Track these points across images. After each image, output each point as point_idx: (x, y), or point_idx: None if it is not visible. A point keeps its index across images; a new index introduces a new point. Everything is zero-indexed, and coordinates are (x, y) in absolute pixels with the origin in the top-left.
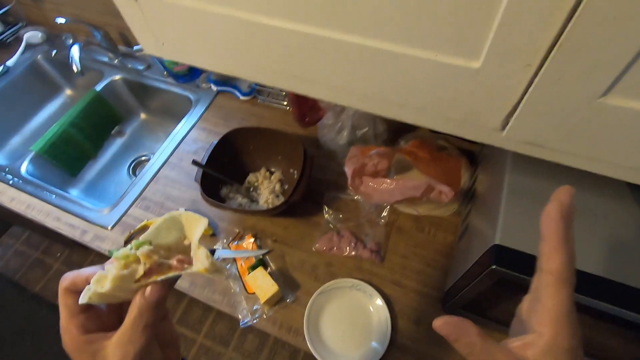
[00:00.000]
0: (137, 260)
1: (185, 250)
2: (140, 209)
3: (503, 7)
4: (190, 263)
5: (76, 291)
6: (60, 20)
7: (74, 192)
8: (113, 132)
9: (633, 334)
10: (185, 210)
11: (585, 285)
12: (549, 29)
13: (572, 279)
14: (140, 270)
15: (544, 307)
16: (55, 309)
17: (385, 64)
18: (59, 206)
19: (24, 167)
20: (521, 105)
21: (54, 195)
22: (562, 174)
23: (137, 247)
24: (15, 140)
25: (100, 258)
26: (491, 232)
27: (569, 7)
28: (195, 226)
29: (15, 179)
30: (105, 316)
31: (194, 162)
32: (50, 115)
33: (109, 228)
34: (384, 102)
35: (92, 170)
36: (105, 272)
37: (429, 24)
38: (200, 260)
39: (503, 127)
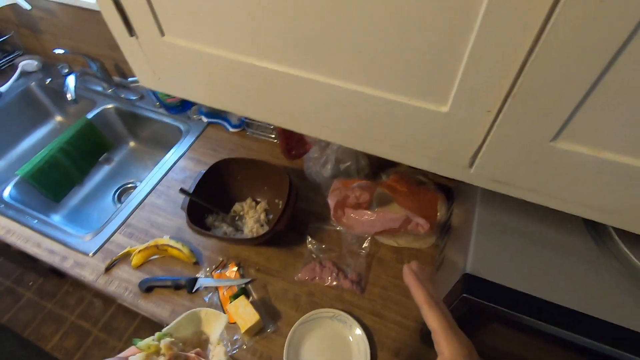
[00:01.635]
0: (157, 351)
1: (200, 344)
2: (124, 236)
3: (465, 59)
4: (205, 357)
5: None
6: (59, 52)
7: (57, 218)
8: (101, 159)
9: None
10: (203, 309)
11: (542, 312)
12: (503, 81)
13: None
14: None
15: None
16: (23, 343)
17: (363, 104)
18: (40, 231)
19: (7, 191)
20: (485, 145)
21: (35, 220)
22: (527, 208)
23: (160, 339)
24: (0, 164)
25: (75, 288)
26: (462, 262)
27: (518, 64)
28: (215, 322)
29: None
30: None
31: (182, 191)
32: (38, 141)
33: (90, 255)
34: (364, 139)
35: (77, 196)
36: None
37: (402, 72)
38: (218, 356)
39: (471, 165)
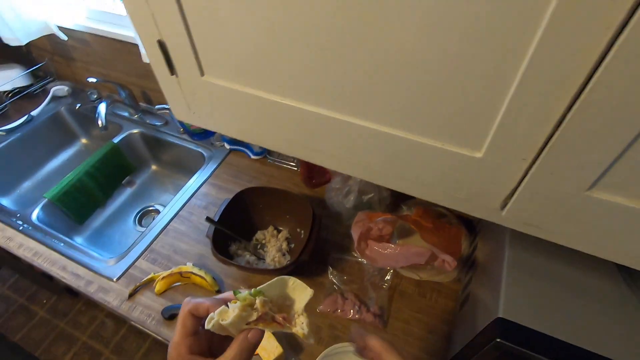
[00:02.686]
0: (252, 305)
1: (283, 309)
2: (147, 262)
3: (503, 109)
4: (290, 323)
5: (196, 316)
6: (92, 80)
7: (79, 240)
8: (124, 181)
9: None
10: (291, 277)
11: (570, 356)
12: (540, 132)
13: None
14: (254, 315)
15: None
16: None
17: (396, 146)
18: (66, 255)
19: (35, 214)
20: (518, 191)
21: (61, 244)
22: (559, 250)
23: (256, 295)
24: (26, 185)
25: (88, 307)
26: (494, 305)
27: (556, 117)
28: (301, 293)
29: (25, 225)
30: (203, 343)
31: (208, 219)
32: (64, 162)
33: (115, 280)
34: (394, 178)
35: (99, 218)
36: (228, 309)
37: (438, 119)
38: (300, 325)
39: (502, 208)
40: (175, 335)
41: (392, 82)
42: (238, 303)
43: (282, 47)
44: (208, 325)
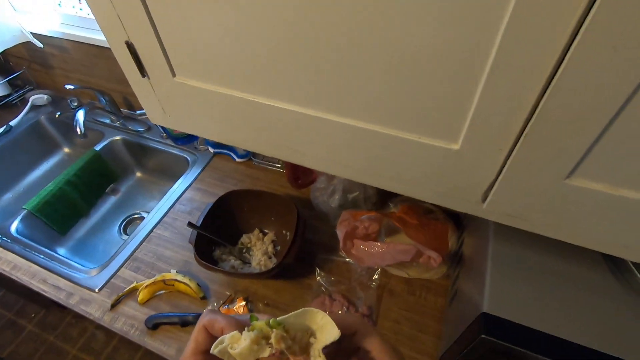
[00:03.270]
0: (267, 338)
1: (301, 345)
2: (130, 270)
3: (475, 101)
4: None
5: (210, 332)
6: (70, 87)
7: (62, 251)
8: (107, 190)
9: None
10: (321, 312)
11: (562, 352)
12: (514, 121)
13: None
14: (267, 352)
15: None
16: None
17: (374, 142)
18: (46, 267)
19: (14, 226)
20: (497, 182)
21: (41, 256)
22: (543, 241)
23: (274, 327)
24: (7, 198)
25: (78, 319)
26: (478, 300)
27: (529, 106)
28: (327, 333)
29: (4, 238)
30: None
31: (190, 224)
32: (46, 172)
33: (97, 290)
34: (374, 175)
35: (83, 228)
36: (240, 336)
37: (413, 112)
38: None
39: (483, 200)
40: (186, 349)
41: (364, 76)
42: (252, 332)
43: (249, 44)
44: (214, 350)
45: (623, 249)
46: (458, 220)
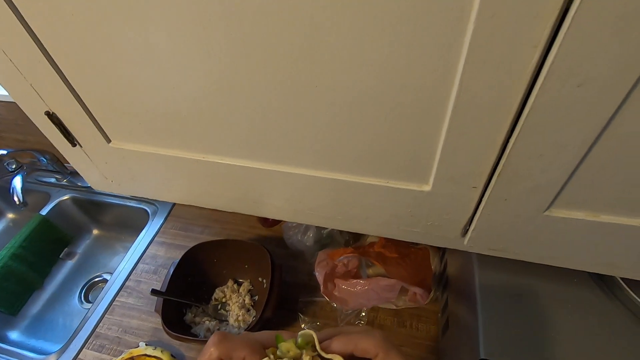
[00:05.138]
0: (295, 358)
1: None
2: (93, 351)
3: (442, 141)
4: None
5: None
6: (2, 152)
7: (15, 334)
8: (62, 255)
9: None
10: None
11: None
12: (485, 158)
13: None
14: None
15: None
16: None
17: (340, 190)
18: None
19: None
20: (475, 218)
21: None
22: (529, 265)
23: (302, 347)
24: None
25: None
26: (474, 343)
27: (498, 145)
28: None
29: None
30: None
31: (153, 292)
32: None
33: None
34: (344, 221)
35: (37, 302)
36: None
37: (376, 157)
38: None
39: (463, 236)
40: None
41: (312, 123)
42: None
43: (183, 100)
44: None
45: (610, 267)
46: None
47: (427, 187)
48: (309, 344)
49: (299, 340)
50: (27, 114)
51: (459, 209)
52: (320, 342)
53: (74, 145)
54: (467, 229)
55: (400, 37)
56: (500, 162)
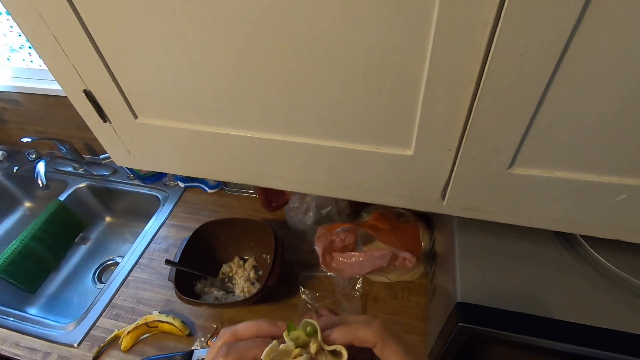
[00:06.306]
0: (306, 346)
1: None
2: (110, 319)
3: (419, 110)
4: None
5: None
6: (26, 140)
7: (33, 311)
8: (77, 239)
9: None
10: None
11: (533, 327)
12: (455, 124)
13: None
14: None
15: None
16: None
17: (334, 157)
18: (18, 329)
19: None
20: (452, 180)
21: (11, 319)
22: (502, 228)
23: (311, 334)
24: None
25: None
26: (453, 291)
27: (465, 109)
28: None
29: None
30: None
31: (167, 262)
32: (7, 232)
33: (76, 345)
34: (339, 188)
35: (54, 282)
36: (277, 348)
37: (366, 125)
38: None
39: (443, 198)
40: None
41: (314, 95)
42: (274, 344)
43: (203, 78)
44: None
45: (570, 225)
46: (428, 220)
47: (410, 152)
48: (316, 332)
49: (308, 328)
50: (66, 93)
51: (437, 172)
52: (322, 331)
53: (104, 121)
54: (446, 191)
55: (379, 24)
56: (467, 125)
